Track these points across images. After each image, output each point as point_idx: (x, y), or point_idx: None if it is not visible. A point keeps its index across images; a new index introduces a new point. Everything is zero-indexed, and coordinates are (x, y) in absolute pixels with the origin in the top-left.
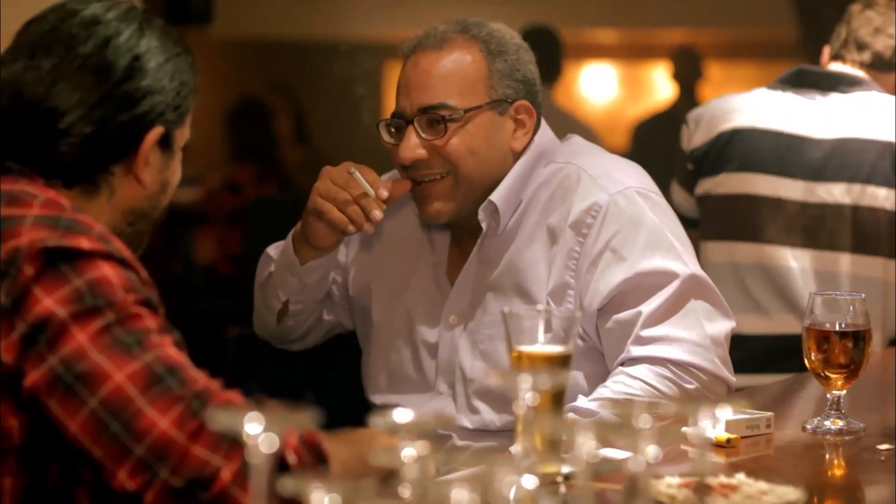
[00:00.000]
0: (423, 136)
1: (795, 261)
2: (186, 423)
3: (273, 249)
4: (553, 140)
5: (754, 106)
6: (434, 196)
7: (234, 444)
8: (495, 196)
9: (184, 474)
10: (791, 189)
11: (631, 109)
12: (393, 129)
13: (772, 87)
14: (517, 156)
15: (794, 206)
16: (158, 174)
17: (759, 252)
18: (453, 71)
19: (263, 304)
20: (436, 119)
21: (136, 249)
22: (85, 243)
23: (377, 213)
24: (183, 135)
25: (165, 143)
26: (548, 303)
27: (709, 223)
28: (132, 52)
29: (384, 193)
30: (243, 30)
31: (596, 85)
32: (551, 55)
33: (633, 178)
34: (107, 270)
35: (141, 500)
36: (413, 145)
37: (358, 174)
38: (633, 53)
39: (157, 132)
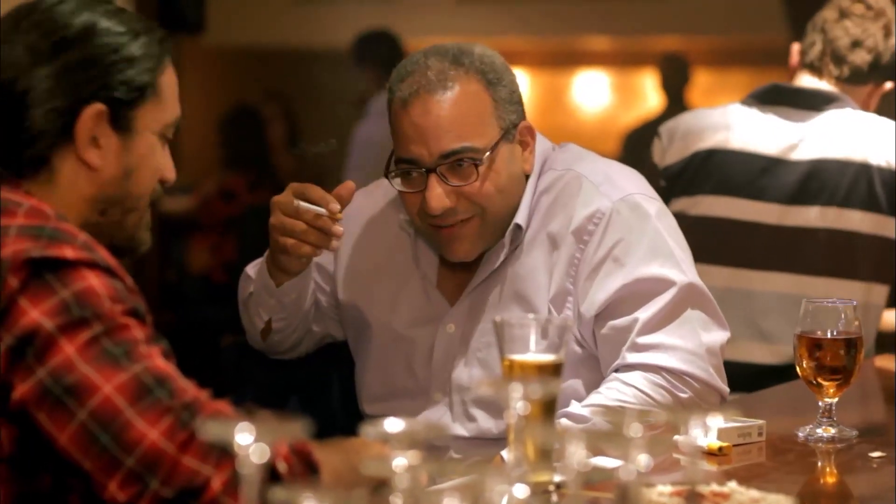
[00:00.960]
0: (451, 183)
1: (768, 285)
2: (176, 433)
3: (252, 269)
4: (549, 146)
5: (730, 124)
6: (462, 238)
7: (223, 453)
8: (520, 217)
9: (174, 484)
10: (766, 213)
11: (623, 116)
12: (402, 176)
13: (746, 103)
14: (527, 175)
15: (769, 230)
16: (116, 157)
17: (732, 276)
18: (465, 111)
19: (248, 321)
20: (462, 162)
21: (122, 242)
22: (69, 252)
23: (338, 228)
24: (151, 117)
25: (119, 124)
26: (549, 310)
27: None
28: (68, 26)
29: (335, 207)
30: (236, 38)
31: (588, 92)
32: (392, 59)
33: (633, 184)
34: (93, 280)
35: None
36: (440, 195)
37: (302, 203)
38: (625, 61)
39: (94, 109)
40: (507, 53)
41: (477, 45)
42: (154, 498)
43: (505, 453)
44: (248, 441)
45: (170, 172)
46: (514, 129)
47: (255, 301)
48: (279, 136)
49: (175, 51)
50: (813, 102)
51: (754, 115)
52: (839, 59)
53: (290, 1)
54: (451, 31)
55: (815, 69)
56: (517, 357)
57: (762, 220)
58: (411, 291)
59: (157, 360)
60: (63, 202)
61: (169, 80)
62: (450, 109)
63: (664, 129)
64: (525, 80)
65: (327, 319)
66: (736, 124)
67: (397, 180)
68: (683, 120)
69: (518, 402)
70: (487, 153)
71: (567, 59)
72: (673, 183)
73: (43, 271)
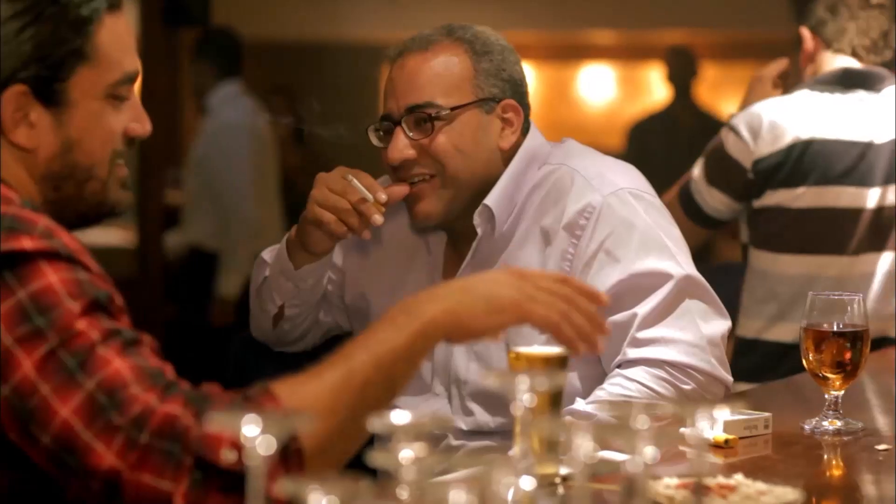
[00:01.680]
0: (411, 135)
1: (882, 265)
2: (128, 453)
3: (268, 254)
4: (545, 143)
5: (818, 113)
6: (422, 197)
7: (177, 464)
8: (490, 200)
9: (144, 498)
10: (868, 198)
11: (629, 110)
12: (382, 133)
13: (815, 88)
14: (506, 156)
15: (870, 213)
16: (50, 133)
17: (850, 264)
18: (439, 71)
19: (259, 307)
20: (422, 118)
21: (92, 210)
22: (27, 243)
23: (378, 218)
24: (89, 83)
25: (48, 99)
26: None
27: (781, 236)
28: None
29: (382, 197)
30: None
31: (593, 86)
32: (230, 56)
33: (626, 179)
34: (51, 277)
35: None
36: (401, 146)
37: (355, 180)
38: (630, 54)
39: (13, 91)
40: (513, 47)
41: (483, 27)
42: None
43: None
44: (255, 433)
45: (139, 127)
46: (495, 104)
47: (269, 286)
48: (285, 129)
49: (180, 43)
50: (874, 83)
51: (835, 100)
52: (876, 46)
53: None
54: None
55: (854, 53)
56: (524, 350)
57: (865, 206)
58: (418, 280)
59: (113, 363)
60: (12, 184)
61: (110, 37)
62: (423, 67)
63: (740, 122)
64: (530, 74)
65: (335, 309)
66: (823, 112)
67: (373, 135)
68: (761, 111)
69: (525, 394)
70: (448, 110)
71: (572, 53)
72: (769, 176)
73: (1, 268)
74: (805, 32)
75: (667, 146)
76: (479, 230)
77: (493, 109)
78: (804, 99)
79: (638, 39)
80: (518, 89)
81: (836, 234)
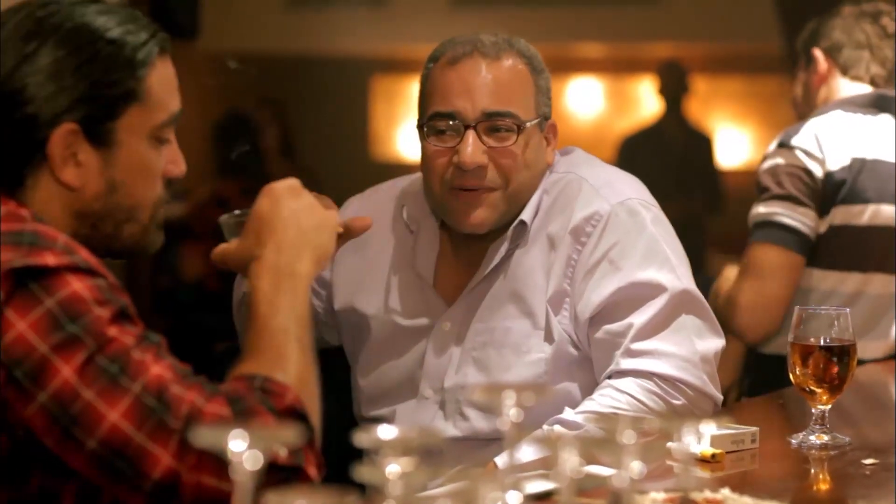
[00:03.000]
0: (487, 142)
1: None
2: (186, 455)
3: None
4: (553, 151)
5: (862, 133)
6: (481, 205)
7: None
8: (526, 214)
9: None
10: None
11: (617, 124)
12: (438, 131)
13: (848, 109)
14: (544, 174)
15: None
16: (96, 173)
17: (885, 280)
18: (515, 82)
19: (241, 324)
20: (501, 127)
21: (130, 250)
22: (51, 259)
23: None
24: (136, 124)
25: (96, 139)
26: (547, 310)
27: (841, 253)
28: (19, 48)
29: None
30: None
31: (582, 99)
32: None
33: (633, 190)
34: (76, 285)
35: None
36: (477, 151)
37: None
38: (619, 68)
39: (64, 130)
40: None
41: (523, 40)
42: None
43: (498, 459)
44: (242, 448)
45: (175, 168)
46: (545, 122)
47: (247, 303)
48: (273, 142)
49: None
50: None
51: (870, 122)
52: (891, 76)
53: (283, 7)
54: (444, 37)
55: (872, 82)
56: None
57: None
58: (408, 291)
59: (153, 368)
60: (49, 220)
61: (159, 79)
62: (500, 74)
63: (804, 139)
64: None
65: (321, 326)
66: (866, 133)
67: (429, 136)
68: (817, 129)
69: (511, 408)
70: (526, 124)
71: (560, 66)
72: (836, 192)
73: (27, 280)
74: (818, 54)
75: (656, 160)
76: (508, 242)
77: (545, 127)
78: (846, 119)
79: (626, 53)
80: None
81: (885, 251)
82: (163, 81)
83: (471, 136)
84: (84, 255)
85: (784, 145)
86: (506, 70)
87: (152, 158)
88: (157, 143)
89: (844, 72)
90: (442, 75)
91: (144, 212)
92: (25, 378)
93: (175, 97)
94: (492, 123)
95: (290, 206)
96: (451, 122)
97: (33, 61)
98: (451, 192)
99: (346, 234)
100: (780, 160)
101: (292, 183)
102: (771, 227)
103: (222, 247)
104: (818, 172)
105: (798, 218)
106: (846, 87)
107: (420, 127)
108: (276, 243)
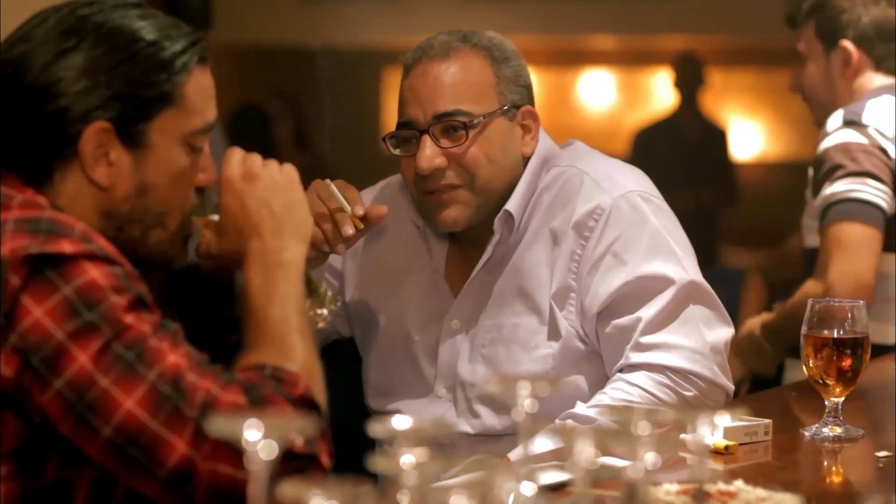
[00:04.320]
0: (441, 144)
1: None
2: (201, 443)
3: None
4: (553, 145)
5: None
6: (450, 204)
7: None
8: (510, 205)
9: (216, 493)
10: None
11: (630, 116)
12: (400, 141)
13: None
14: (526, 161)
15: None
16: (127, 174)
17: None
18: (464, 78)
19: None
20: (454, 126)
21: (155, 257)
22: (67, 247)
23: (348, 229)
24: (170, 127)
25: (129, 139)
26: (551, 306)
27: None
28: (57, 43)
29: (359, 210)
30: (243, 36)
31: (594, 91)
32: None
33: (635, 182)
34: (93, 272)
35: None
36: (431, 155)
37: (333, 187)
38: (631, 60)
39: (96, 127)
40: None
41: (492, 32)
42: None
43: (512, 455)
44: (257, 437)
45: (205, 177)
46: (516, 110)
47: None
48: (286, 134)
49: None
50: None
51: None
52: None
53: (296, 0)
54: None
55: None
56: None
57: None
58: (420, 284)
59: (169, 356)
60: (75, 216)
61: (196, 86)
62: (448, 74)
63: (874, 119)
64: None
65: (335, 318)
66: None
67: (391, 144)
68: (883, 109)
69: (526, 399)
70: (480, 118)
71: (573, 59)
72: None
73: (43, 267)
74: (849, 46)
75: (671, 153)
76: (497, 234)
77: (515, 116)
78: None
79: (639, 45)
80: (531, 94)
81: None
82: (200, 89)
83: (426, 141)
84: (101, 243)
85: (853, 123)
86: (455, 69)
87: (184, 164)
88: (191, 149)
89: (877, 66)
90: (400, 87)
91: (173, 218)
92: (42, 365)
93: (211, 106)
94: (444, 124)
95: (254, 194)
96: (409, 131)
97: (70, 57)
98: (424, 196)
99: (366, 225)
100: (851, 137)
101: (247, 168)
102: (852, 203)
103: (205, 246)
104: (892, 152)
105: (877, 193)
106: (876, 80)
107: (384, 139)
108: (258, 237)
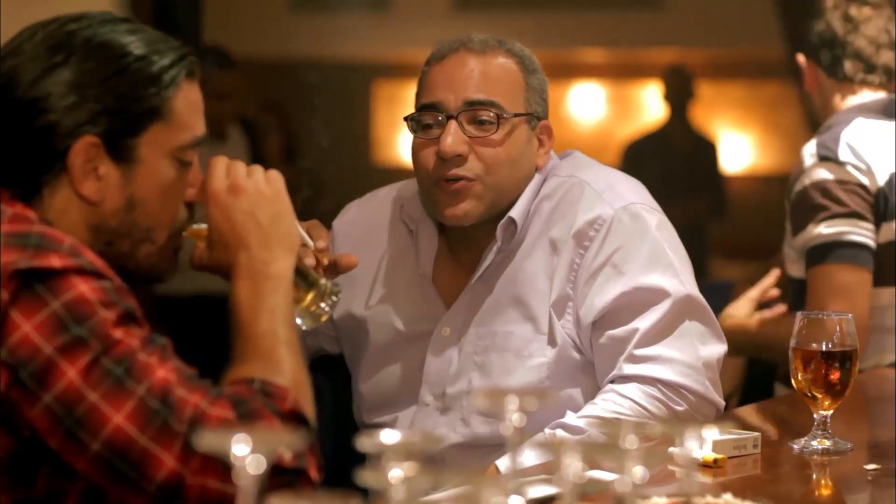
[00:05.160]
0: (467, 132)
1: None
2: (190, 458)
3: None
4: (553, 155)
5: (890, 143)
6: (463, 197)
7: None
8: (515, 212)
9: None
10: None
11: (620, 129)
12: (423, 123)
13: (867, 115)
14: (534, 173)
15: None
16: (116, 189)
17: None
18: (500, 75)
19: None
20: (484, 117)
21: (145, 273)
22: (56, 261)
23: (308, 260)
24: (159, 142)
25: (117, 154)
26: (550, 315)
27: (891, 269)
28: (45, 58)
29: (321, 244)
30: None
31: (584, 104)
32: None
33: (636, 194)
34: (82, 287)
35: None
36: (456, 139)
37: (297, 224)
38: (621, 73)
39: (85, 142)
40: None
41: (518, 44)
42: None
43: (499, 462)
44: (245, 452)
45: (194, 192)
46: (538, 121)
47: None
48: (275, 146)
49: None
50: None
51: (889, 129)
52: (870, 66)
53: (286, 11)
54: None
55: (881, 85)
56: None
57: None
58: (409, 292)
59: (158, 371)
60: (63, 230)
61: (185, 101)
62: (485, 68)
63: (848, 154)
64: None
65: (320, 336)
66: (891, 142)
67: (416, 129)
68: (853, 139)
69: (514, 413)
70: (511, 115)
71: (562, 72)
72: (885, 207)
73: (32, 282)
74: (800, 58)
75: (661, 166)
76: (498, 241)
77: (535, 127)
78: (870, 127)
79: (629, 58)
80: (547, 111)
81: None
82: (188, 104)
83: (452, 125)
84: (90, 258)
85: (828, 159)
86: (492, 64)
87: (173, 179)
88: (180, 164)
89: (830, 75)
90: (430, 73)
91: (162, 233)
92: (31, 379)
93: (200, 121)
94: (474, 113)
95: (240, 207)
96: (435, 114)
97: (58, 72)
98: (437, 185)
99: (333, 270)
100: (828, 175)
101: (232, 180)
102: (844, 247)
103: (198, 256)
104: (871, 187)
105: (864, 234)
106: (839, 89)
107: (407, 120)
108: (245, 249)
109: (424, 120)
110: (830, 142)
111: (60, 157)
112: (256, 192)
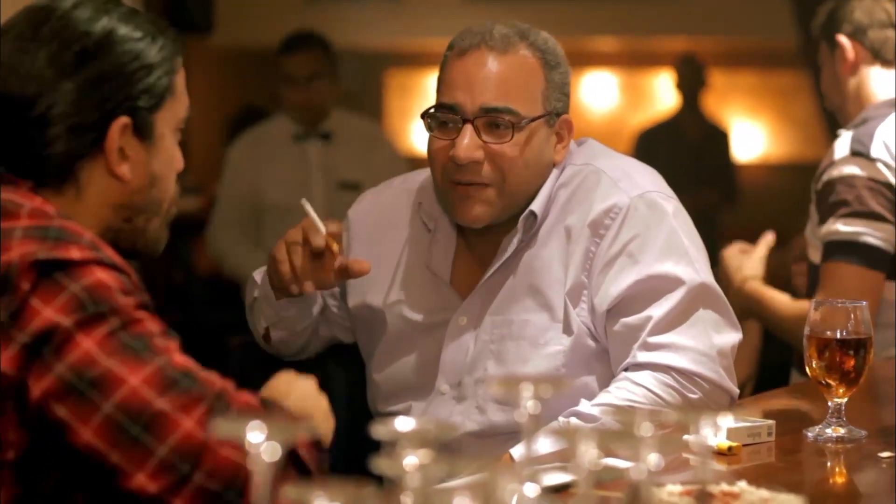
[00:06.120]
0: (482, 137)
1: None
2: (212, 426)
3: (258, 274)
4: (571, 142)
5: None
6: (476, 200)
7: None
8: (536, 205)
9: (219, 477)
10: None
11: (632, 118)
12: (439, 123)
13: None
14: (552, 168)
15: None
16: (142, 166)
17: None
18: (518, 77)
19: (252, 325)
20: (500, 123)
21: (148, 246)
22: (76, 253)
23: (318, 241)
24: (169, 117)
25: (142, 132)
26: (566, 303)
27: None
28: (89, 35)
29: (333, 228)
30: (244, 38)
31: (596, 93)
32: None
33: (652, 182)
34: (102, 275)
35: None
36: (471, 145)
37: (308, 206)
38: (633, 61)
39: (121, 123)
40: None
41: (545, 33)
42: (198, 491)
43: (514, 451)
44: (260, 440)
45: (180, 163)
46: (556, 118)
47: (257, 307)
48: None
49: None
50: None
51: None
52: None
53: (298, 1)
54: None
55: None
56: None
57: None
58: (424, 288)
59: (176, 355)
60: (89, 212)
61: (181, 77)
62: (504, 69)
63: (881, 151)
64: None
65: (335, 325)
66: None
67: (430, 121)
68: (888, 135)
69: (529, 400)
70: (527, 121)
71: (575, 60)
72: None
73: (52, 271)
74: (843, 40)
75: (673, 154)
76: (519, 233)
77: (554, 124)
78: None
79: (641, 46)
80: (569, 103)
81: None
82: (182, 79)
83: (468, 130)
84: (109, 253)
85: (861, 154)
86: (512, 64)
87: (176, 152)
88: (177, 137)
89: (875, 56)
90: (450, 66)
91: (169, 206)
92: (47, 351)
93: (186, 94)
94: (490, 119)
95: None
96: (451, 115)
97: (88, 67)
98: (450, 185)
99: (344, 274)
100: (857, 171)
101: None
102: (856, 248)
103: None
104: (893, 181)
105: (881, 237)
106: (877, 75)
107: (424, 116)
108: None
109: (440, 117)
110: (865, 137)
111: (97, 142)
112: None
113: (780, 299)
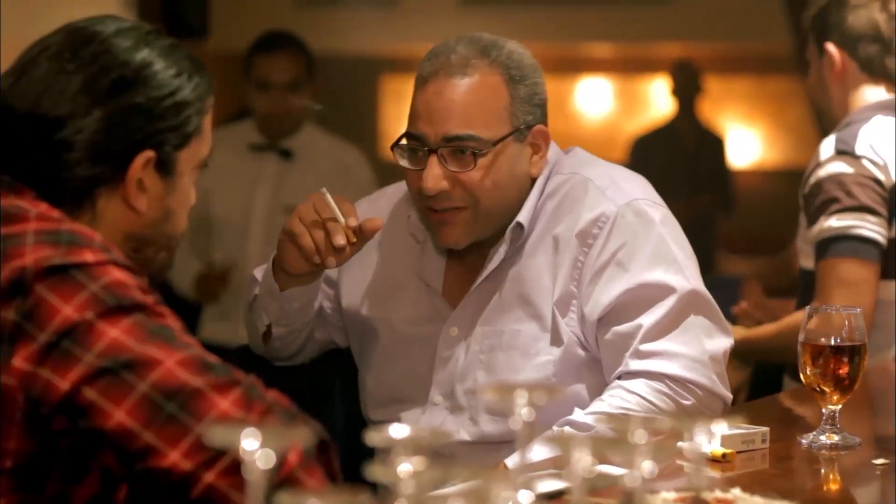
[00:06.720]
0: (448, 166)
1: None
2: (251, 404)
3: (258, 271)
4: (558, 151)
5: None
6: (452, 224)
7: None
8: (522, 217)
9: None
10: None
11: (627, 124)
12: (408, 153)
13: (888, 114)
14: (534, 180)
15: None
16: (158, 201)
17: None
18: (478, 101)
19: (251, 324)
20: (462, 150)
21: (152, 275)
22: (90, 256)
23: (339, 239)
24: (191, 157)
25: (164, 168)
26: (554, 313)
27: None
28: (127, 65)
29: (353, 222)
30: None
31: (592, 99)
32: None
33: (639, 190)
34: (119, 274)
35: (192, 481)
36: (437, 176)
37: (329, 197)
38: (629, 67)
39: (145, 156)
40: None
41: (511, 42)
42: (230, 466)
43: (509, 461)
44: (255, 447)
45: (194, 199)
46: (528, 131)
47: (258, 304)
48: None
49: None
50: None
51: None
52: None
53: (293, 6)
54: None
55: (885, 74)
56: None
57: None
58: (415, 295)
59: (200, 348)
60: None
61: (209, 118)
62: (463, 95)
63: (866, 149)
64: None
65: (330, 326)
66: None
67: (399, 154)
68: (872, 135)
69: (523, 408)
70: (491, 146)
71: (570, 66)
72: None
73: (69, 268)
74: (832, 49)
75: (669, 161)
76: (506, 244)
77: (525, 137)
78: (889, 125)
79: (636, 52)
80: (545, 111)
81: None
82: (210, 120)
83: (433, 161)
84: (120, 256)
85: (846, 153)
86: (471, 87)
87: (192, 190)
88: (195, 175)
89: (862, 69)
90: (414, 96)
91: (178, 241)
92: (73, 346)
93: (211, 134)
94: (454, 147)
95: None
96: (419, 144)
97: (122, 97)
98: (427, 211)
99: (360, 238)
100: (844, 168)
101: None
102: (851, 241)
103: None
104: (886, 182)
105: (875, 229)
106: (864, 87)
107: (393, 148)
108: None
109: (409, 146)
110: (849, 137)
111: (119, 171)
112: None
113: (758, 331)
